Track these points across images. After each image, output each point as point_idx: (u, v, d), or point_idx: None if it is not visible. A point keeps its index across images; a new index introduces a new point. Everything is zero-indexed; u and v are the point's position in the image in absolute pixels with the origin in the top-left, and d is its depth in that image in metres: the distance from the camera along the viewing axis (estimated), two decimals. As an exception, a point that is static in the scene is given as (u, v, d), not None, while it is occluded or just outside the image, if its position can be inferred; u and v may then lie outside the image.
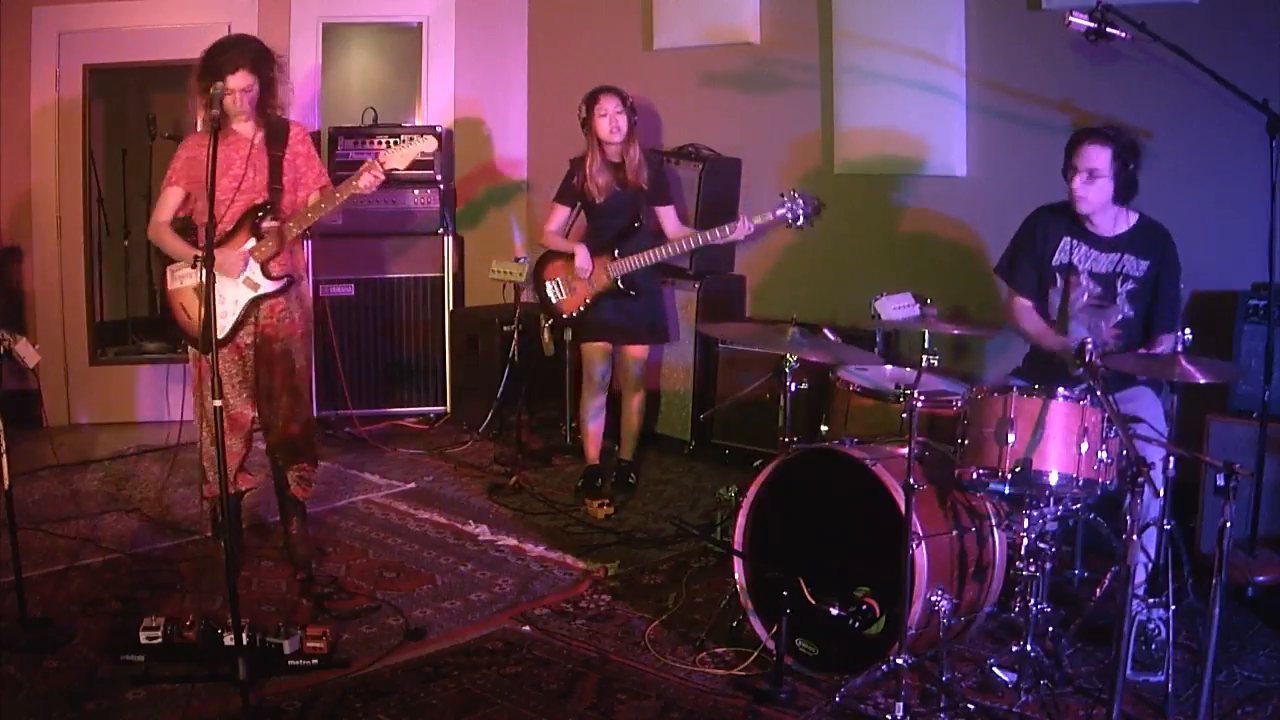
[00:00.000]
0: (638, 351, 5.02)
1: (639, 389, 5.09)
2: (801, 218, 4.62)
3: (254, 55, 3.91)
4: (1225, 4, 4.38)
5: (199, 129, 4.01)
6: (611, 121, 4.77)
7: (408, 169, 5.95)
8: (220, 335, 3.94)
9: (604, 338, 4.99)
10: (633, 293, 4.88)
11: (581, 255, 4.87)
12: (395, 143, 3.97)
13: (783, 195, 4.64)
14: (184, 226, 4.08)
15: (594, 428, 5.12)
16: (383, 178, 3.97)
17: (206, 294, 3.25)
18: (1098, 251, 3.80)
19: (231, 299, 3.97)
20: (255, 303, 4.01)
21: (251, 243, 3.96)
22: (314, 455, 4.31)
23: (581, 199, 4.96)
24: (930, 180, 5.27)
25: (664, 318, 5.14)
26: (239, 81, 3.85)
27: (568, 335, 5.18)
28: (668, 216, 4.97)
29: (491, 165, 6.84)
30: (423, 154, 3.99)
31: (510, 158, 6.90)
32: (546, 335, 5.36)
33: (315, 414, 4.42)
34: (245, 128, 3.98)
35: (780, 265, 5.85)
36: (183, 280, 4.06)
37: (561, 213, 5.03)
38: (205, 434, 4.12)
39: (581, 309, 4.95)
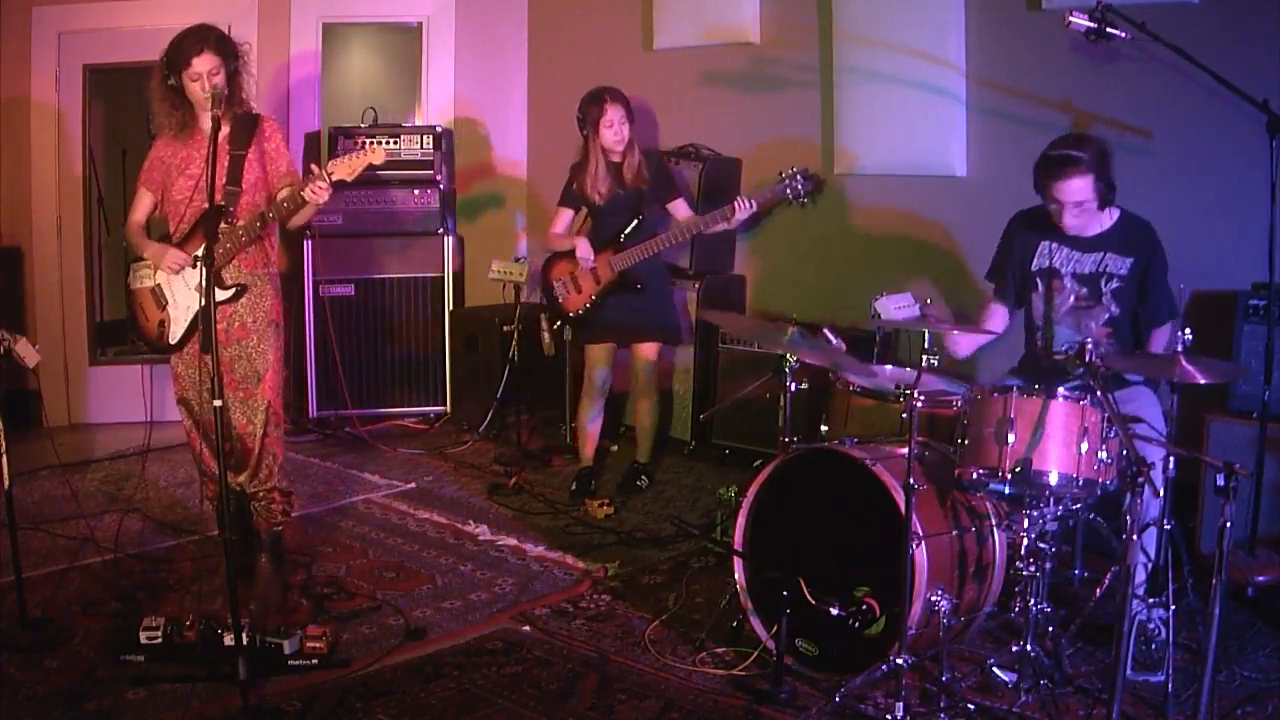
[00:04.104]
0: (648, 350, 5.00)
1: (650, 390, 5.06)
2: (802, 194, 4.67)
3: (216, 38, 3.74)
4: (1225, 4, 4.38)
5: (167, 131, 3.86)
6: (617, 131, 4.79)
7: (403, 170, 6.06)
8: (174, 341, 3.88)
9: (609, 338, 4.98)
10: (639, 286, 4.87)
11: (582, 246, 4.87)
12: (345, 153, 3.79)
13: (781, 173, 4.68)
14: (164, 228, 3.98)
15: (591, 430, 5.12)
16: (328, 190, 3.73)
17: (207, 294, 3.25)
18: (1079, 253, 3.78)
19: (183, 305, 3.86)
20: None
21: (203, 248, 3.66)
22: (276, 477, 4.00)
23: (584, 202, 4.96)
24: (930, 180, 5.27)
25: (675, 317, 5.13)
26: (204, 64, 3.68)
27: (568, 335, 5.17)
28: (679, 209, 4.98)
29: (491, 165, 6.85)
30: (370, 166, 3.79)
31: (510, 158, 6.91)
32: (548, 336, 5.36)
33: (284, 434, 4.08)
34: (210, 121, 3.75)
35: (780, 265, 5.85)
36: (142, 280, 3.94)
37: (565, 215, 5.03)
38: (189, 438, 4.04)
39: (587, 305, 4.93)
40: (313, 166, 3.81)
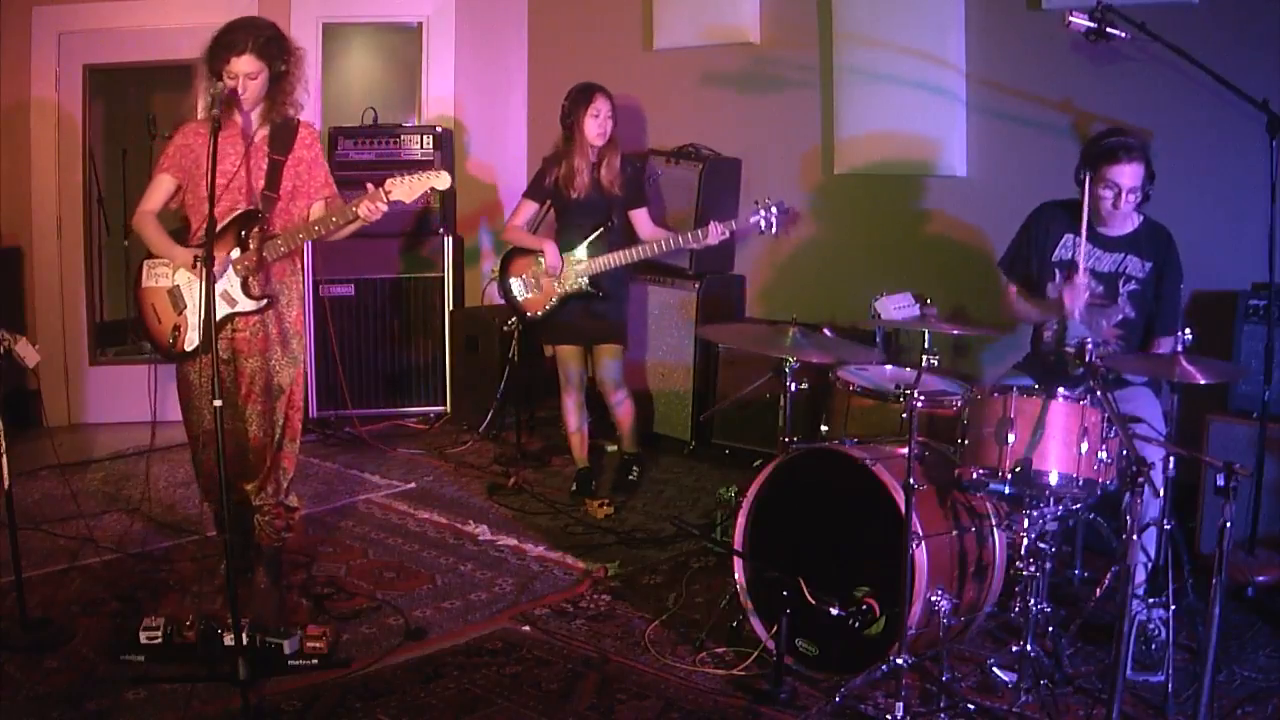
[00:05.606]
0: (611, 351, 4.95)
1: (620, 387, 5.00)
2: (775, 225, 4.62)
3: (264, 40, 3.57)
4: (1225, 4, 4.39)
5: (199, 115, 3.66)
6: (601, 124, 4.74)
7: (402, 170, 5.98)
8: (188, 348, 3.68)
9: (574, 341, 4.94)
10: (600, 294, 4.82)
11: (551, 253, 4.80)
12: (407, 174, 3.60)
13: (756, 203, 4.65)
14: (181, 221, 3.79)
15: (581, 432, 5.10)
16: (384, 209, 3.57)
17: (207, 295, 3.22)
18: (1101, 250, 3.79)
19: None
20: (229, 318, 3.64)
21: (236, 253, 3.60)
22: (283, 493, 3.85)
23: (553, 197, 4.89)
24: (930, 180, 5.27)
25: (625, 320, 5.02)
26: (242, 66, 3.51)
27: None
28: (641, 219, 4.91)
29: (492, 165, 6.84)
30: (433, 189, 3.64)
31: (510, 157, 6.91)
32: (515, 337, 5.34)
33: (298, 450, 3.92)
34: (249, 121, 3.64)
35: (780, 265, 5.85)
36: (158, 279, 3.71)
37: (529, 208, 4.96)
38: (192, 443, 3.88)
39: (547, 308, 4.88)
40: (368, 185, 3.61)
